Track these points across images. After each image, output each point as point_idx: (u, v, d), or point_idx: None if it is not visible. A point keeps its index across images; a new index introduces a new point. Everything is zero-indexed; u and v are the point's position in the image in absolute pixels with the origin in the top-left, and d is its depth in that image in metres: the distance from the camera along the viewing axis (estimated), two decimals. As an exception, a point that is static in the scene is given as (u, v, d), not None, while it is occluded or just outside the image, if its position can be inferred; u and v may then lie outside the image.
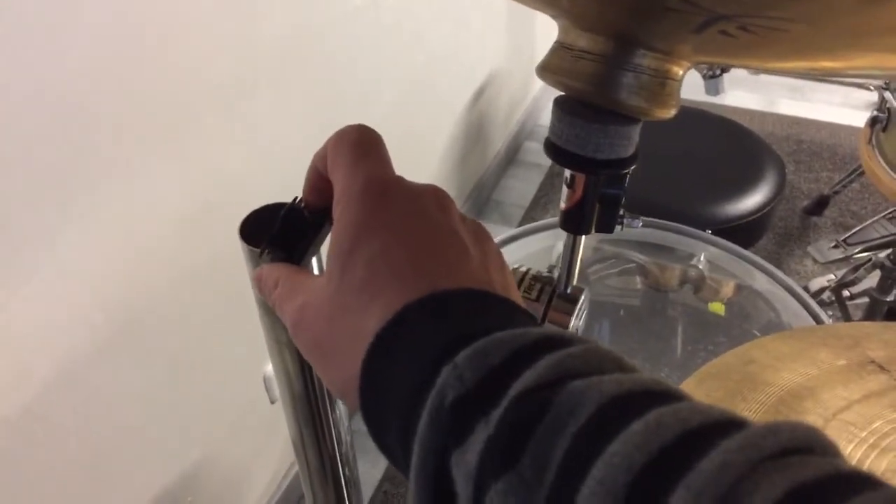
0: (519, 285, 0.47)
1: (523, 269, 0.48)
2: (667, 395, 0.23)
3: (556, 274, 0.48)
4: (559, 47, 0.39)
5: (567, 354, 0.23)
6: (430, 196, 0.30)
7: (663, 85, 0.37)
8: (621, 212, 0.43)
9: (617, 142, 0.39)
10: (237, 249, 0.40)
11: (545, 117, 2.54)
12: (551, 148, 0.41)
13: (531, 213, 2.16)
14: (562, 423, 0.22)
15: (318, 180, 0.34)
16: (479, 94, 1.97)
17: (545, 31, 2.39)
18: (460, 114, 1.89)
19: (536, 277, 0.47)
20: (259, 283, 0.35)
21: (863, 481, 0.20)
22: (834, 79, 2.17)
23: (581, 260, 0.47)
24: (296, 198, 0.38)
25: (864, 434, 0.45)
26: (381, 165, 0.31)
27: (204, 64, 0.93)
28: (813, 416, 0.47)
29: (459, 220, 0.31)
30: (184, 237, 0.97)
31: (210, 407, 1.13)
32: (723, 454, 0.20)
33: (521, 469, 0.22)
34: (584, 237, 0.45)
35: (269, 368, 1.23)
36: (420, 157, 1.73)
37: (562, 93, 0.40)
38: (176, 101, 0.90)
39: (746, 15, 0.26)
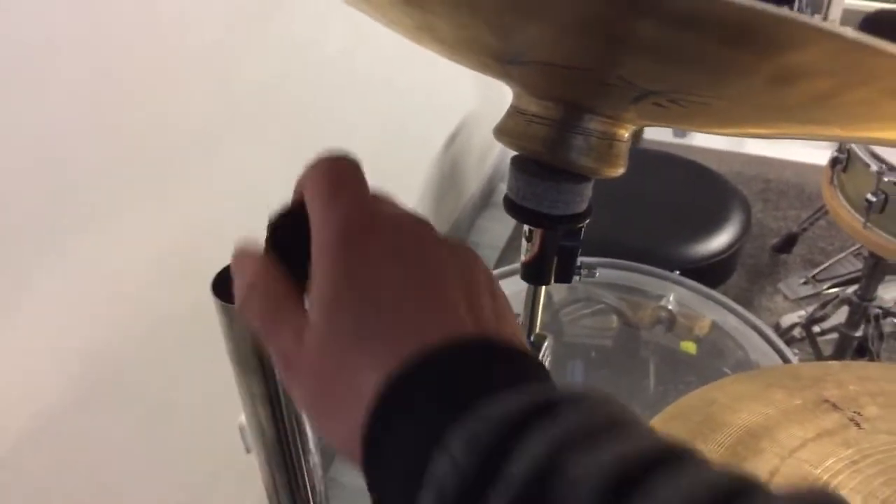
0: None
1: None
2: (670, 462, 0.22)
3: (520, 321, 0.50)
4: (514, 111, 0.41)
5: (561, 431, 0.22)
6: (408, 230, 0.29)
7: (611, 146, 0.39)
8: (578, 262, 0.46)
9: (570, 198, 0.42)
10: (210, 296, 0.40)
11: (519, 159, 2.59)
12: (510, 204, 0.43)
13: (506, 255, 2.19)
14: None
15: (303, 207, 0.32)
16: (453, 137, 2.01)
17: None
18: (434, 157, 1.92)
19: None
20: (243, 275, 0.31)
21: None
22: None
23: (555, 302, 0.50)
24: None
25: (818, 471, 0.47)
26: (357, 200, 0.29)
27: (182, 111, 0.95)
28: (769, 455, 0.49)
29: (443, 248, 0.29)
30: (160, 284, 0.98)
31: (187, 457, 1.12)
32: None
33: None
34: (543, 287, 0.47)
35: (244, 418, 1.23)
36: (398, 199, 1.75)
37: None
38: (154, 147, 0.91)
39: (672, 92, 0.28)
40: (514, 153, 0.43)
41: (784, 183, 2.42)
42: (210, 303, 0.45)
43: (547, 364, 0.51)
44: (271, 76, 1.13)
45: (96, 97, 0.81)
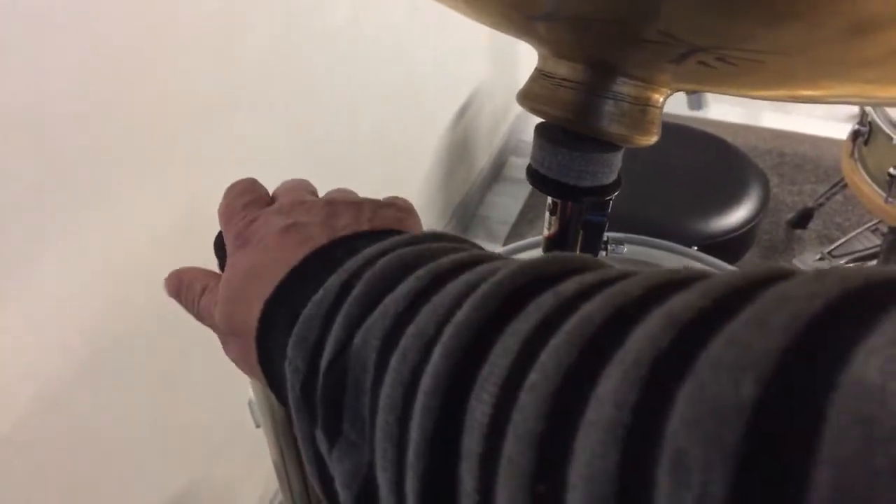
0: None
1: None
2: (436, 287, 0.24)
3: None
4: (539, 75, 0.39)
5: (351, 303, 0.25)
6: (262, 238, 0.33)
7: (644, 112, 0.37)
8: (605, 237, 0.43)
9: (599, 169, 0.39)
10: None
11: (529, 132, 2.54)
12: (534, 175, 0.40)
13: (517, 230, 2.16)
14: (359, 380, 0.23)
15: None
16: (463, 110, 1.98)
17: (528, 47, 2.40)
18: (445, 130, 1.89)
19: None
20: (177, 287, 0.39)
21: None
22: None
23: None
24: None
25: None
26: (236, 228, 0.35)
27: (185, 82, 0.92)
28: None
29: (280, 235, 0.33)
30: (164, 257, 0.96)
31: (194, 431, 1.11)
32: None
33: (346, 434, 0.24)
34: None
35: (252, 393, 1.22)
36: (405, 174, 1.73)
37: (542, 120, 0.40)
38: (156, 120, 0.89)
39: (723, 47, 0.26)
40: (538, 120, 0.40)
41: (800, 157, 2.37)
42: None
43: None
44: (276, 46, 1.10)
45: (94, 72, 0.78)
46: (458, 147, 2.01)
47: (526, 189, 2.32)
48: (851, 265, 1.76)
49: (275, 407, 0.52)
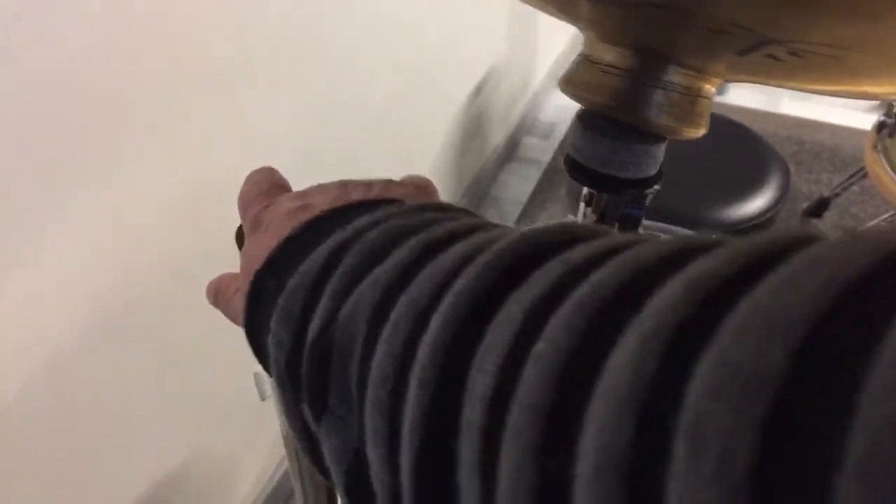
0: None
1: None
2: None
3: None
4: (584, 60, 0.37)
5: (340, 275, 0.24)
6: (269, 223, 0.33)
7: (694, 103, 0.35)
8: (640, 231, 0.42)
9: (642, 161, 0.37)
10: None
11: (544, 113, 2.52)
12: (572, 165, 0.39)
13: (528, 211, 2.14)
14: (346, 353, 0.23)
15: None
16: (479, 87, 1.95)
17: (547, 24, 2.36)
18: (459, 107, 1.86)
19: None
20: (215, 293, 0.38)
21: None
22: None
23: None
24: None
25: None
26: (252, 214, 0.35)
27: (196, 52, 0.90)
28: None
29: (286, 219, 0.32)
30: (172, 228, 0.94)
31: (198, 402, 1.11)
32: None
33: (332, 408, 0.24)
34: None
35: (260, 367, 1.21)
36: (418, 150, 1.71)
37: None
38: (166, 89, 0.87)
39: (801, 41, 0.24)
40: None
41: (819, 145, 2.34)
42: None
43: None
44: (289, 17, 1.08)
45: (105, 42, 0.76)
46: (473, 125, 1.98)
47: (538, 170, 2.29)
48: (885, 225, 1.74)
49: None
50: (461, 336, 0.19)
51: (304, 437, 0.26)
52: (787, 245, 0.16)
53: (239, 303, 0.33)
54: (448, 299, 0.20)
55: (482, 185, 2.16)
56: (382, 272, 0.23)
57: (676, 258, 0.17)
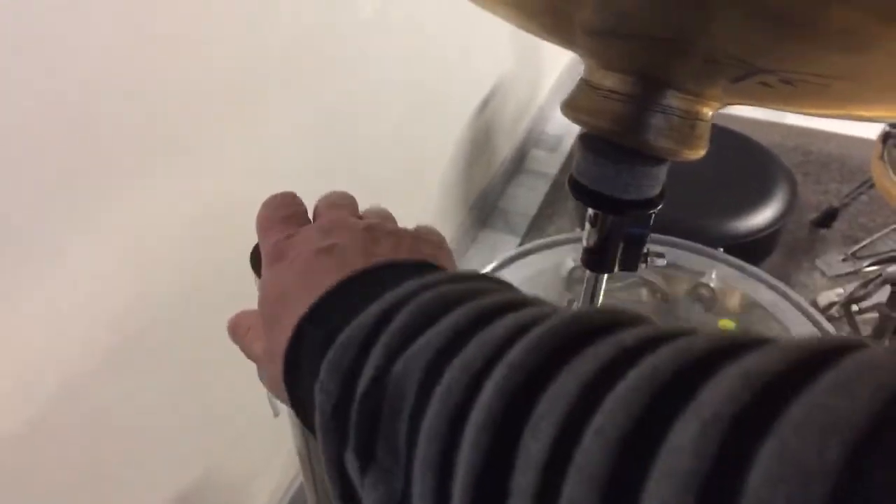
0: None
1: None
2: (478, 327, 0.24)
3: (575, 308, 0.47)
4: (585, 85, 0.38)
5: (393, 332, 0.25)
6: (297, 255, 0.33)
7: (693, 126, 0.36)
8: (645, 250, 0.42)
9: (644, 182, 0.38)
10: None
11: (551, 125, 2.53)
12: (575, 186, 0.40)
13: (537, 223, 2.15)
14: (397, 408, 0.24)
15: None
16: (486, 102, 1.96)
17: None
18: (467, 122, 1.88)
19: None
20: (233, 330, 0.40)
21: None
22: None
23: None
24: None
25: None
26: (272, 241, 0.36)
27: (214, 69, 0.92)
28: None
29: (320, 255, 0.33)
30: (191, 246, 0.96)
31: (214, 420, 1.12)
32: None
33: (380, 460, 0.24)
34: (605, 276, 0.44)
35: (275, 381, 1.22)
36: (427, 165, 1.72)
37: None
38: (185, 107, 0.89)
39: (792, 71, 0.25)
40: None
41: (825, 155, 2.34)
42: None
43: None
44: (304, 37, 1.10)
45: (122, 58, 0.78)
46: (481, 139, 2.00)
47: (546, 182, 2.30)
48: None
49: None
50: (515, 403, 0.20)
51: (339, 484, 0.27)
52: (838, 348, 0.18)
53: (256, 343, 0.35)
54: (501, 369, 0.21)
55: (490, 197, 2.17)
56: (435, 333, 0.24)
57: (729, 351, 0.19)
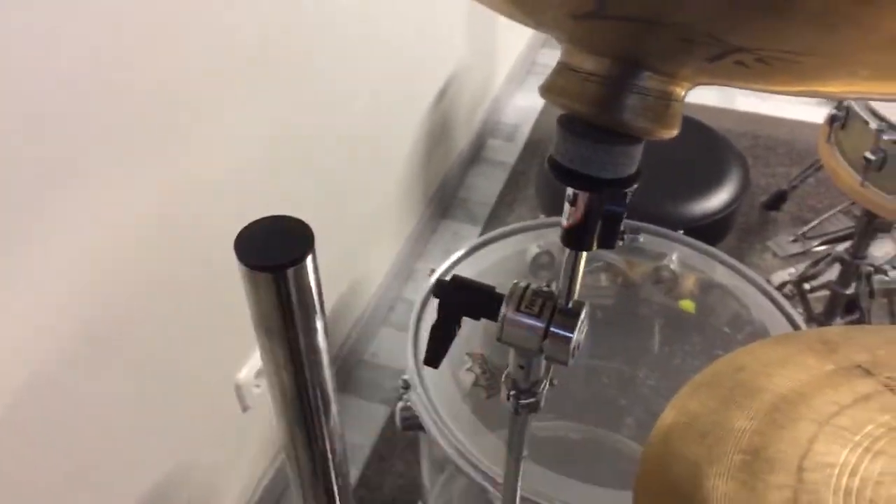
0: (519, 301, 0.47)
1: (523, 284, 0.48)
2: None
3: (555, 288, 0.48)
4: (563, 68, 0.39)
5: None
6: None
7: (668, 106, 0.37)
8: (622, 227, 0.44)
9: (621, 161, 0.40)
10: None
11: (507, 115, 2.55)
12: (554, 166, 0.41)
13: (497, 212, 2.17)
14: None
15: None
16: (442, 93, 1.97)
17: (505, 29, 2.40)
18: (424, 114, 1.89)
19: (537, 292, 0.48)
20: None
21: None
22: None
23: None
24: None
25: (857, 438, 0.46)
26: None
27: (174, 70, 0.91)
28: (806, 422, 0.49)
29: None
30: (151, 244, 0.95)
31: (181, 418, 1.11)
32: None
33: None
34: (585, 253, 0.46)
35: (241, 375, 1.22)
36: (387, 158, 1.73)
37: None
38: (147, 106, 0.88)
39: (766, 49, 0.26)
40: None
41: (774, 140, 2.41)
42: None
43: (584, 332, 0.49)
44: (262, 35, 1.09)
45: (82, 59, 0.77)
46: (438, 130, 2.01)
47: (504, 171, 2.32)
48: None
49: (286, 385, 0.53)
50: None
51: None
52: None
53: None
54: None
55: (450, 188, 2.18)
56: None
57: None
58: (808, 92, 0.36)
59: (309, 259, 0.46)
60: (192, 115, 0.97)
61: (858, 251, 1.59)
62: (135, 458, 1.02)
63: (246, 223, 0.48)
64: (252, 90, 1.10)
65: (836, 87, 0.33)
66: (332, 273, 1.52)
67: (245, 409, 1.27)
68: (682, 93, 0.38)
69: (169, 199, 0.96)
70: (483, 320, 0.50)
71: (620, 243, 0.44)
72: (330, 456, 0.60)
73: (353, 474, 1.51)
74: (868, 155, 1.31)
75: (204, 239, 1.01)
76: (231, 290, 0.95)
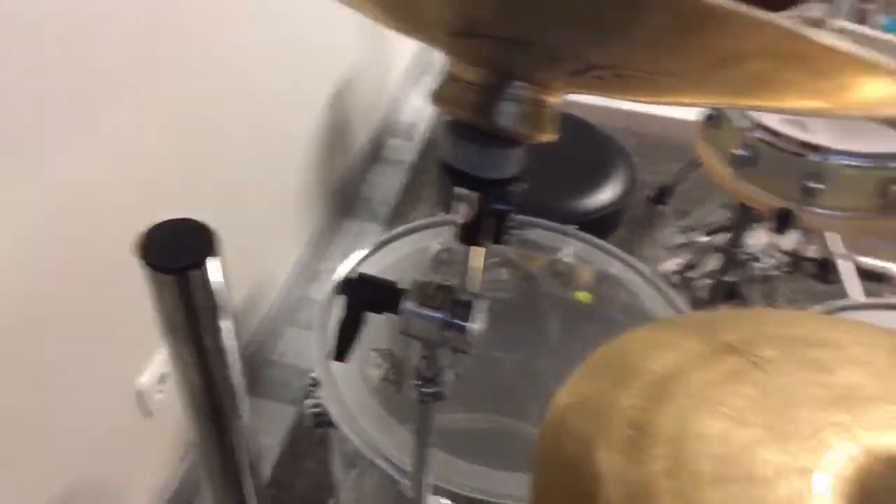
0: (420, 295, 0.51)
1: (425, 279, 0.52)
2: None
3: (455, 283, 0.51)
4: (448, 77, 0.43)
5: None
6: None
7: (542, 113, 0.42)
8: (513, 223, 0.48)
9: (503, 163, 0.44)
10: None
11: (406, 113, 2.58)
12: (445, 168, 0.45)
13: (399, 210, 2.20)
14: None
15: None
16: (339, 92, 1.99)
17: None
18: (321, 113, 1.90)
19: (440, 287, 0.51)
20: None
21: None
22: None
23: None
24: None
25: (727, 410, 0.52)
26: None
27: (64, 70, 0.90)
28: (682, 397, 0.54)
29: None
30: (40, 250, 0.93)
31: (79, 427, 1.09)
32: None
33: None
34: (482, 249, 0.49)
35: (143, 381, 1.20)
36: (285, 158, 1.73)
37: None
38: (41, 100, 0.87)
39: (621, 67, 0.30)
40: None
41: (658, 138, 2.54)
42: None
43: (482, 321, 0.53)
44: (154, 35, 1.08)
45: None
46: (337, 130, 2.02)
47: (404, 170, 2.36)
48: None
49: (195, 384, 0.54)
50: None
51: None
52: None
53: None
54: None
55: (351, 187, 2.19)
56: None
57: None
58: (671, 102, 0.40)
59: (212, 260, 0.48)
60: (80, 115, 0.95)
61: (736, 241, 1.71)
62: (27, 470, 0.99)
63: (143, 224, 0.49)
64: (146, 89, 1.09)
65: (693, 100, 0.38)
66: (234, 273, 1.51)
67: (147, 414, 1.25)
68: (554, 101, 0.42)
69: (61, 201, 0.94)
70: (389, 316, 0.53)
71: (511, 237, 0.47)
72: (243, 454, 0.61)
73: (265, 474, 1.50)
74: (738, 151, 1.41)
75: (96, 243, 0.99)
76: (128, 298, 0.94)
